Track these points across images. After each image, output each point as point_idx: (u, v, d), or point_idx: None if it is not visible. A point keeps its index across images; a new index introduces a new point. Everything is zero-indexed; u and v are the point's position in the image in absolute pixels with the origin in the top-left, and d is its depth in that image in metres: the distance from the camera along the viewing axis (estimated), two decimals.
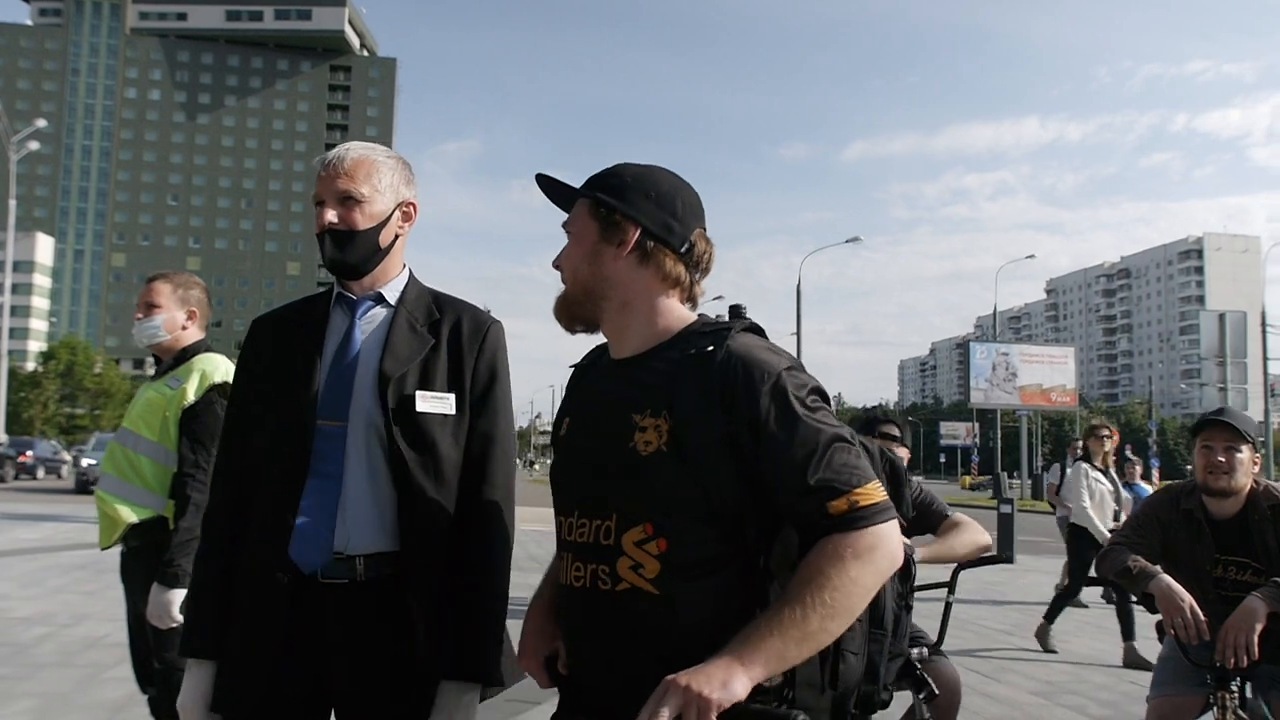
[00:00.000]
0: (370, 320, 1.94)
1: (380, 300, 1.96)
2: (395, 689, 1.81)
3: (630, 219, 1.58)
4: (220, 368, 3.19)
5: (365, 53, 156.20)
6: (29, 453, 34.31)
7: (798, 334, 39.09)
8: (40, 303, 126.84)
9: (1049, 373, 42.38)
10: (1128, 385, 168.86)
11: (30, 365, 76.10)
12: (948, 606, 3.19)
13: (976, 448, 75.69)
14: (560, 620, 1.64)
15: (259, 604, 1.80)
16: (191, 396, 3.09)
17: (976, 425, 72.58)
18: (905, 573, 1.86)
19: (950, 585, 3.24)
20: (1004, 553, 10.44)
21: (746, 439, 1.43)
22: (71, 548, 11.70)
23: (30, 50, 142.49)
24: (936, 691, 2.13)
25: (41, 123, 33.96)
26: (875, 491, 1.41)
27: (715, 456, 1.44)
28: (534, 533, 18.51)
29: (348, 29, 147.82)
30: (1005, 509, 12.30)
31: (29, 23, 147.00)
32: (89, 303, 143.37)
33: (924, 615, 3.58)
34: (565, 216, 1.68)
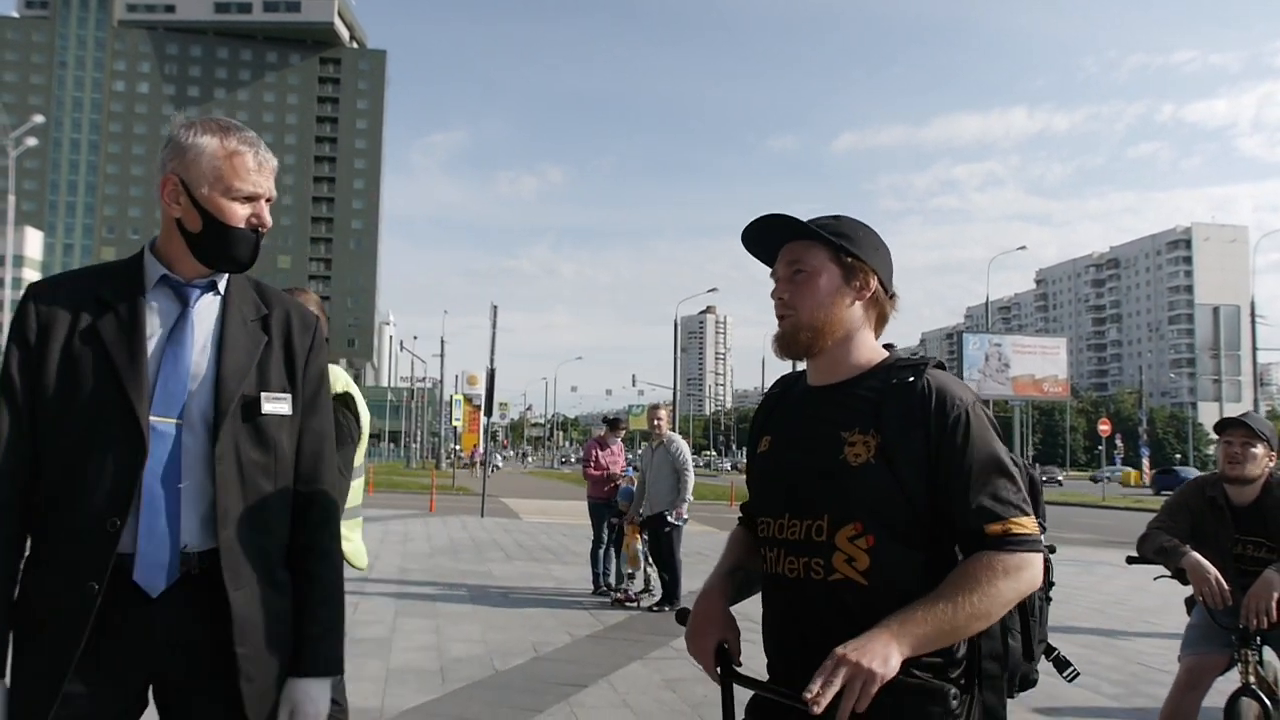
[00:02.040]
0: (202, 310, 1.83)
1: (212, 287, 1.86)
2: (219, 685, 1.74)
3: (871, 268, 1.83)
4: (340, 378, 3.38)
5: (354, 45, 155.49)
6: None
7: None
8: None
9: (1041, 363, 42.73)
10: (1117, 375, 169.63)
11: None
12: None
13: None
14: (766, 606, 1.88)
15: (67, 614, 1.66)
16: None
17: None
18: (1046, 570, 2.16)
19: None
20: None
21: (935, 457, 1.68)
22: None
23: (17, 43, 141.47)
24: (1079, 672, 2.40)
25: (39, 118, 33.91)
26: (1029, 524, 1.68)
27: (914, 470, 1.68)
28: (540, 525, 18.81)
29: (337, 21, 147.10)
30: None
31: (15, 15, 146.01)
32: None
33: None
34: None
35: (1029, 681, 2.10)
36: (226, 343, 1.81)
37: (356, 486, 3.64)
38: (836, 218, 1.88)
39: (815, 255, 1.83)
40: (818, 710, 1.52)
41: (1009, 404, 45.69)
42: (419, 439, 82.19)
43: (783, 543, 1.80)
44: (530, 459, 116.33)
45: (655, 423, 9.25)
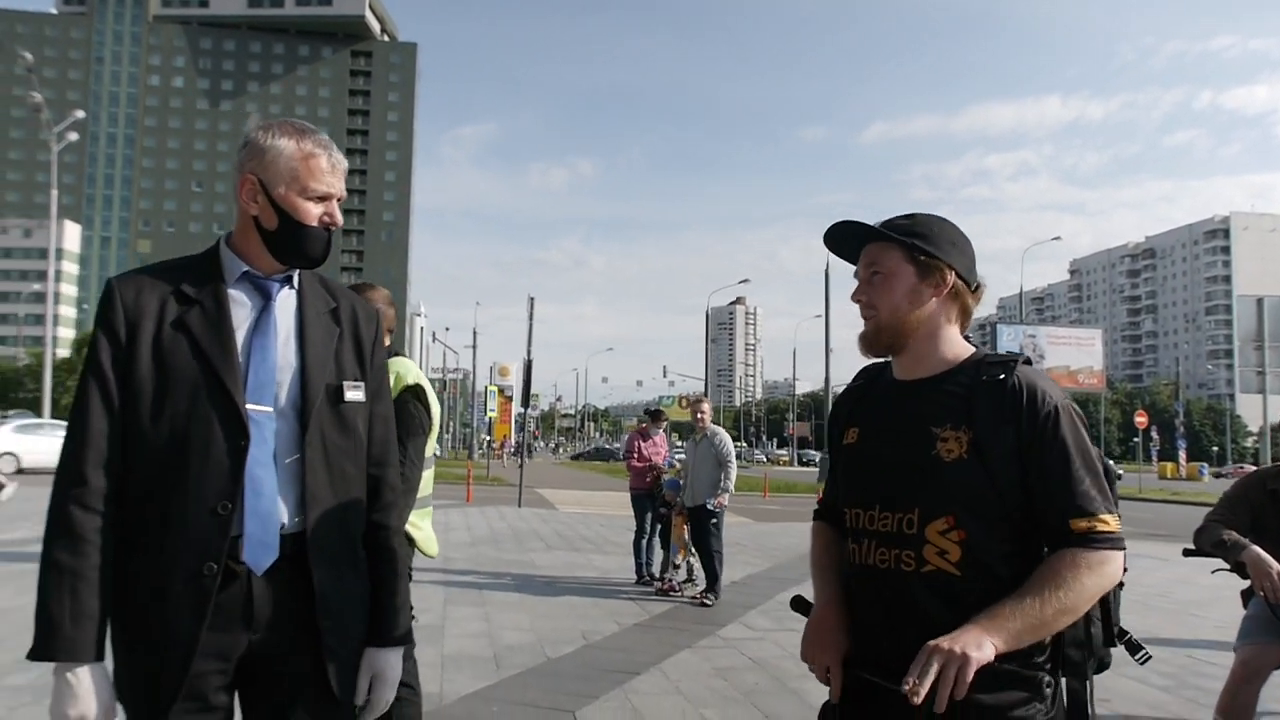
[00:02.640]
0: (282, 303, 1.92)
1: (288, 282, 1.95)
2: (303, 658, 1.83)
3: (947, 265, 1.86)
4: (411, 371, 3.47)
5: (385, 38, 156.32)
6: None
7: (826, 316, 39.22)
8: (69, 290, 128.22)
9: (1076, 354, 42.34)
10: (1153, 366, 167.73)
11: (64, 352, 77.02)
12: None
13: None
14: (852, 596, 1.93)
15: (180, 601, 1.73)
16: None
17: None
18: None
19: None
20: None
21: (1025, 452, 1.73)
22: None
23: (55, 39, 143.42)
24: (1150, 655, 2.45)
25: (79, 113, 34.36)
26: (1113, 521, 1.73)
27: (1006, 465, 1.73)
28: (577, 515, 18.93)
29: (368, 14, 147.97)
30: None
31: (54, 11, 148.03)
32: None
33: None
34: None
35: (1103, 665, 2.16)
36: (308, 335, 1.91)
37: (428, 477, 3.74)
38: (911, 217, 1.92)
39: (891, 257, 1.88)
40: (917, 701, 1.58)
41: None
42: (451, 430, 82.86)
43: (873, 534, 1.85)
44: (562, 451, 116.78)
45: (699, 416, 9.32)
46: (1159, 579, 11.35)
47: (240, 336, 1.84)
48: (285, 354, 1.88)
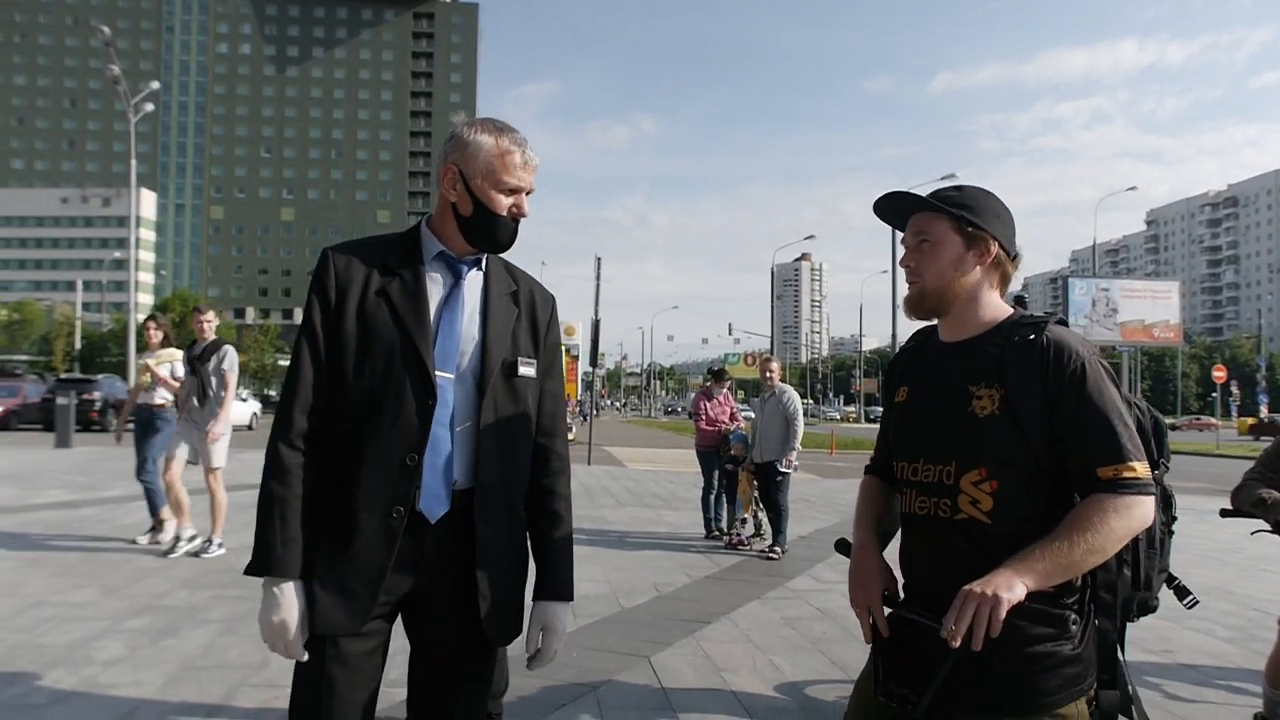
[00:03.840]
0: (470, 282, 2.12)
1: (477, 264, 2.15)
2: (458, 602, 2.04)
3: (992, 235, 2.00)
4: None
5: None
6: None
7: (892, 271, 38.87)
8: (146, 256, 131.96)
9: (1151, 308, 41.34)
10: (1233, 319, 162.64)
11: (143, 318, 79.27)
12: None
13: None
14: (902, 540, 2.12)
15: (371, 537, 1.95)
16: None
17: None
18: (1167, 502, 2.35)
19: None
20: None
21: (1053, 407, 1.84)
22: None
23: (127, 10, 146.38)
24: (1199, 600, 2.53)
25: (155, 84, 35.32)
26: (1140, 468, 1.82)
27: (1035, 420, 1.85)
28: (647, 472, 19.22)
29: None
30: None
31: None
32: (190, 255, 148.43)
33: None
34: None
35: (1148, 608, 2.31)
36: (490, 313, 2.11)
37: None
38: (959, 188, 2.05)
39: (939, 226, 2.01)
40: (956, 644, 1.75)
41: (1116, 350, 44.48)
42: None
43: (916, 484, 2.01)
44: (628, 408, 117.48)
45: (767, 374, 9.48)
46: (1232, 535, 11.26)
47: (432, 309, 2.05)
48: (469, 328, 2.08)
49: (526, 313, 2.20)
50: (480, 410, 2.06)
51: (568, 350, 52.60)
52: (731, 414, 10.51)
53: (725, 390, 10.86)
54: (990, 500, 1.89)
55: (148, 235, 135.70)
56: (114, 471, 14.86)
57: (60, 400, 20.83)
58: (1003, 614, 1.73)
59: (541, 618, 2.16)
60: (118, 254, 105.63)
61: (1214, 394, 65.66)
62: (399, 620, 2.10)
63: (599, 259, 22.48)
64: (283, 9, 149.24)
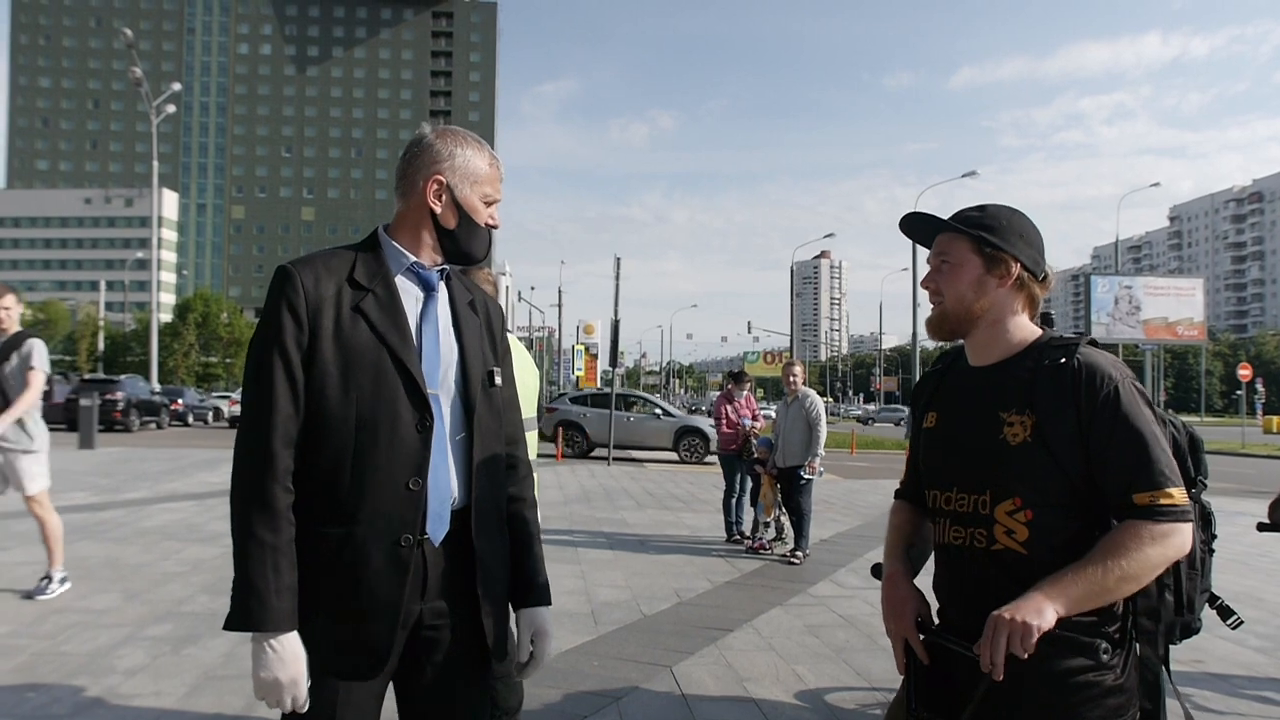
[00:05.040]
0: (440, 294, 2.08)
1: (444, 275, 2.10)
2: (462, 621, 1.99)
3: (1013, 256, 1.96)
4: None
5: None
6: (180, 401, 37.07)
7: (913, 270, 38.65)
8: (168, 256, 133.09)
9: (1175, 305, 40.87)
10: (1258, 316, 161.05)
11: (166, 317, 80.00)
12: None
13: None
14: (937, 568, 2.07)
15: (382, 570, 1.86)
16: None
17: None
18: (1207, 522, 2.29)
19: None
20: None
21: (1087, 432, 1.79)
22: None
23: (149, 12, 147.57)
24: (1243, 620, 2.50)
25: (177, 86, 35.58)
26: (1177, 494, 1.76)
27: (1069, 447, 1.80)
28: (666, 473, 19.18)
29: None
30: None
31: None
32: (212, 255, 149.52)
33: None
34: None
35: (1190, 630, 2.27)
36: (463, 325, 2.07)
37: (530, 439, 3.94)
38: (983, 208, 2.01)
39: (959, 247, 1.99)
40: (999, 677, 1.71)
41: (1139, 348, 44.06)
42: (538, 389, 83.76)
43: (950, 514, 1.97)
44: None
45: (790, 378, 9.41)
46: (1262, 537, 11.09)
47: (411, 324, 1.98)
48: (448, 341, 2.03)
49: (484, 321, 2.17)
50: (471, 425, 2.02)
51: (588, 349, 52.82)
52: (754, 415, 10.46)
53: (746, 392, 10.81)
54: (1025, 530, 1.85)
55: (170, 235, 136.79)
56: (137, 473, 14.96)
57: (84, 401, 20.89)
58: (1034, 641, 1.69)
59: (530, 624, 2.12)
60: (140, 254, 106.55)
61: (1238, 392, 65.01)
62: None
63: (618, 259, 22.45)
64: (303, 9, 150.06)
